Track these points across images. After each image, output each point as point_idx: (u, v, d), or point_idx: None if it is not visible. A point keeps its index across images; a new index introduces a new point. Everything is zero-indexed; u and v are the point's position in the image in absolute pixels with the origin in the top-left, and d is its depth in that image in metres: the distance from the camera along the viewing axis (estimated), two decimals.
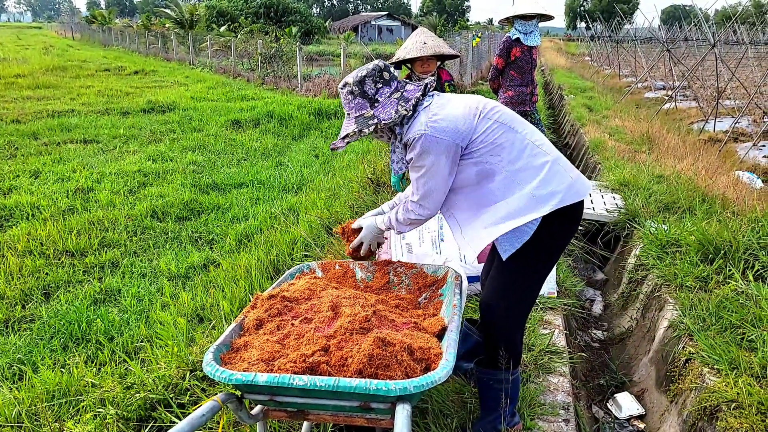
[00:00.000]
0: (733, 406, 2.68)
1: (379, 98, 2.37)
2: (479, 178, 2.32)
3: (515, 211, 2.26)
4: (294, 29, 34.00)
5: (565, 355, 3.44)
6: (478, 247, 2.36)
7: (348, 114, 2.43)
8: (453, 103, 2.37)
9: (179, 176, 7.77)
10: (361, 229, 2.82)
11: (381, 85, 2.38)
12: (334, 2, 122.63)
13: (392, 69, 2.45)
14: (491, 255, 2.77)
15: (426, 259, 3.81)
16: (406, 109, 2.32)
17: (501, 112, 2.37)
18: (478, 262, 3.83)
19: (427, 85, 2.41)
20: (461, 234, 2.44)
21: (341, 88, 2.42)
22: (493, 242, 2.41)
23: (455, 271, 2.69)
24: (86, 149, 9.32)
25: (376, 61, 2.43)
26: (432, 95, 2.42)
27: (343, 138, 2.37)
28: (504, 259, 2.36)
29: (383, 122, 2.31)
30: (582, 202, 2.37)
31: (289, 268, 4.27)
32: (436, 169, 2.29)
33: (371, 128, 2.32)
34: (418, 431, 2.62)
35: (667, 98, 14.95)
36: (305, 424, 2.46)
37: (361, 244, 2.80)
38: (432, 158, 2.27)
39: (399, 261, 2.99)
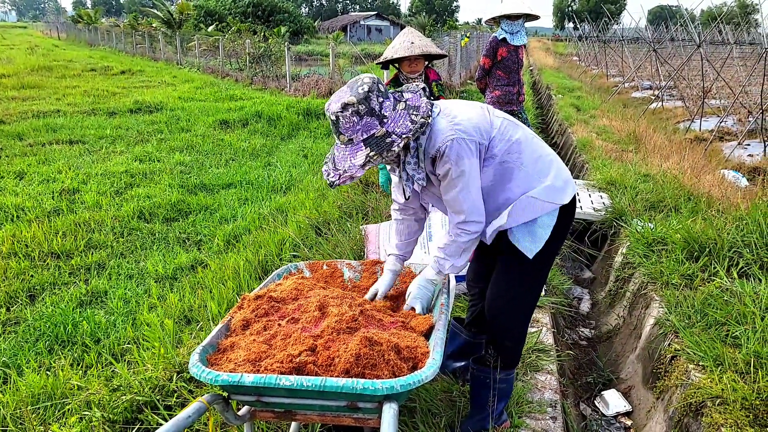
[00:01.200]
0: (718, 402, 2.71)
1: (385, 113, 2.14)
2: (496, 179, 2.30)
3: (544, 196, 2.29)
4: (282, 29, 33.92)
5: (552, 353, 3.46)
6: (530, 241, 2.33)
7: (351, 140, 2.12)
8: (462, 107, 2.32)
9: (167, 177, 7.73)
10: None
11: (383, 99, 2.15)
12: (323, 2, 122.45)
13: (381, 80, 2.26)
14: (481, 254, 2.77)
15: (414, 259, 3.81)
16: (422, 117, 2.13)
17: (500, 111, 2.40)
18: None
19: (424, 89, 2.28)
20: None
21: (341, 112, 2.09)
22: (493, 242, 2.42)
23: None
24: (72, 150, 9.24)
25: (368, 75, 2.18)
26: (434, 104, 2.31)
27: (363, 166, 2.08)
28: (531, 257, 2.34)
29: (403, 137, 2.09)
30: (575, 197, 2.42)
31: (277, 269, 4.26)
32: (473, 175, 2.20)
33: (399, 146, 2.08)
34: (406, 430, 2.62)
35: (653, 98, 15.06)
36: (293, 424, 2.45)
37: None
38: (467, 162, 2.17)
39: None
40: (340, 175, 2.14)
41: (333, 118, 2.13)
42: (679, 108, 14.10)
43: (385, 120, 2.13)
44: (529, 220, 2.31)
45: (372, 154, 2.08)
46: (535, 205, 2.28)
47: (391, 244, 2.70)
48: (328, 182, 2.19)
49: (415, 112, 2.15)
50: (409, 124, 2.12)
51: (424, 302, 2.43)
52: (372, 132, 2.11)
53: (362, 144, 2.11)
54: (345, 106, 2.09)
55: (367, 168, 2.10)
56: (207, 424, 2.65)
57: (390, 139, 2.10)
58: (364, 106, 2.09)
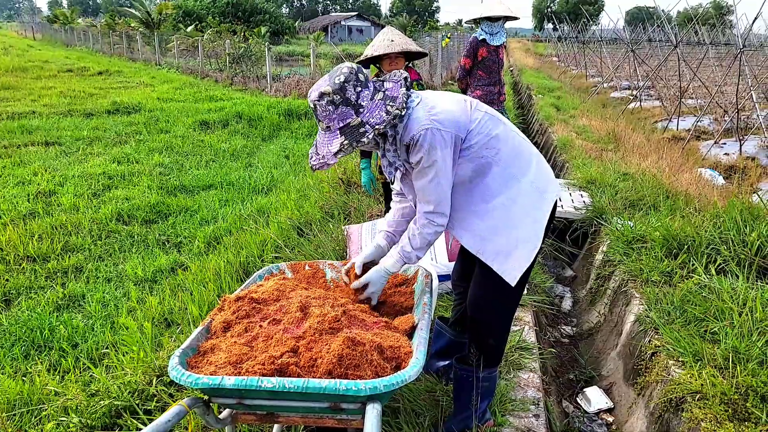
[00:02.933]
0: (697, 397, 2.73)
1: (362, 103, 2.16)
2: (474, 175, 2.29)
3: (530, 214, 2.29)
4: (263, 29, 33.74)
5: (535, 351, 3.47)
6: (515, 263, 2.30)
7: (329, 127, 2.17)
8: (443, 98, 2.31)
9: (146, 178, 7.64)
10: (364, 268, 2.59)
11: (360, 89, 2.16)
12: (304, 2, 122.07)
13: (363, 69, 2.27)
14: (465, 253, 2.76)
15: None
16: (397, 108, 2.15)
17: (484, 105, 2.39)
18: (449, 261, 3.83)
19: (406, 78, 2.27)
20: (454, 231, 2.40)
21: (317, 101, 2.14)
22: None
23: (425, 270, 2.68)
24: (48, 152, 9.11)
25: (348, 64, 2.22)
26: (415, 92, 2.32)
27: (336, 154, 2.13)
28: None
29: (377, 127, 2.12)
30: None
31: (259, 270, 4.23)
32: (445, 166, 2.20)
33: (369, 137, 2.12)
34: (390, 431, 2.61)
35: (632, 98, 15.21)
36: (275, 426, 2.43)
37: (365, 289, 2.50)
38: (440, 153, 2.17)
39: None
40: (318, 160, 2.20)
41: (311, 106, 2.19)
42: (657, 107, 14.26)
43: (361, 110, 2.16)
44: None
45: (345, 142, 2.13)
46: (521, 218, 2.29)
47: (385, 219, 2.70)
48: (310, 165, 2.25)
49: (391, 103, 2.17)
50: (384, 114, 2.14)
51: (378, 293, 2.51)
52: (348, 121, 2.15)
53: (338, 132, 2.16)
54: (321, 95, 2.14)
55: (340, 156, 2.14)
56: (188, 428, 2.62)
57: (363, 129, 2.14)
58: (339, 96, 2.13)
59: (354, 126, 2.15)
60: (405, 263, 2.43)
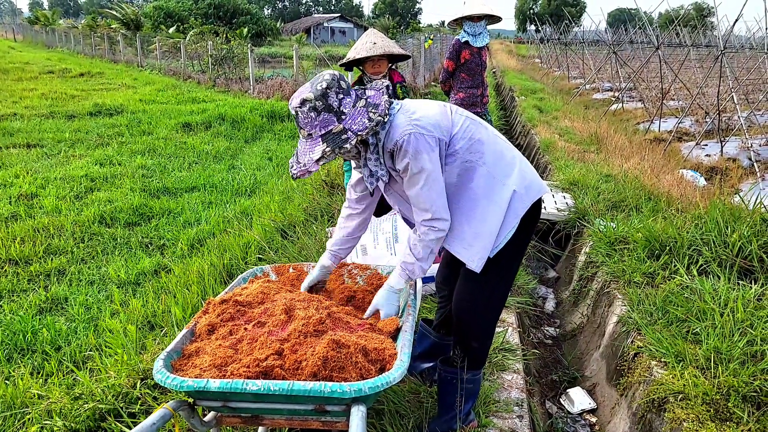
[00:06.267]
0: (680, 397, 2.76)
1: (344, 110, 2.16)
2: (459, 180, 2.31)
3: (506, 211, 2.30)
4: (245, 30, 33.61)
5: (518, 352, 3.49)
6: (478, 251, 2.31)
7: (310, 134, 2.17)
8: (424, 104, 2.33)
9: (128, 181, 7.59)
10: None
11: (342, 96, 2.17)
12: (286, 3, 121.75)
13: (344, 77, 2.28)
14: (449, 256, 2.77)
15: (381, 261, 3.82)
16: (379, 115, 2.15)
17: (465, 111, 2.40)
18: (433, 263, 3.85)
19: (388, 86, 2.29)
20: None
21: (299, 107, 2.14)
22: None
23: None
24: (30, 154, 9.01)
25: (330, 71, 2.23)
26: (396, 101, 2.33)
27: (317, 161, 2.12)
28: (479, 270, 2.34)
29: (359, 134, 2.12)
30: (541, 197, 2.43)
31: (242, 273, 4.22)
32: (434, 170, 2.19)
33: (351, 143, 2.11)
34: None
35: (614, 99, 15.35)
36: (260, 429, 2.43)
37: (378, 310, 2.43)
38: (426, 157, 2.17)
39: (353, 263, 2.99)
40: (299, 169, 2.18)
41: (293, 113, 2.18)
42: (639, 109, 14.40)
43: (343, 117, 2.16)
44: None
45: (328, 149, 2.11)
46: (499, 217, 2.30)
47: (331, 239, 2.70)
48: (291, 174, 2.22)
49: (373, 110, 2.17)
50: (366, 121, 2.14)
51: (395, 312, 2.40)
52: (330, 128, 2.14)
53: (320, 139, 2.15)
54: (303, 102, 2.13)
55: (322, 163, 2.13)
56: (170, 431, 2.61)
57: (345, 135, 2.13)
58: (321, 103, 2.12)
59: (336, 133, 2.14)
60: (409, 277, 2.39)
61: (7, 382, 3.09)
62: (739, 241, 4.07)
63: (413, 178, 2.21)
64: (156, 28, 36.08)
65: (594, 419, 3.46)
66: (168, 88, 17.45)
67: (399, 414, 2.74)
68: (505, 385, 3.15)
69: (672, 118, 12.54)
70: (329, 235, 4.41)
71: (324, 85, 2.14)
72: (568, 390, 3.71)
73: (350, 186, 2.63)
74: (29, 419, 2.74)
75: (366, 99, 2.22)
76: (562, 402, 3.66)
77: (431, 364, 3.02)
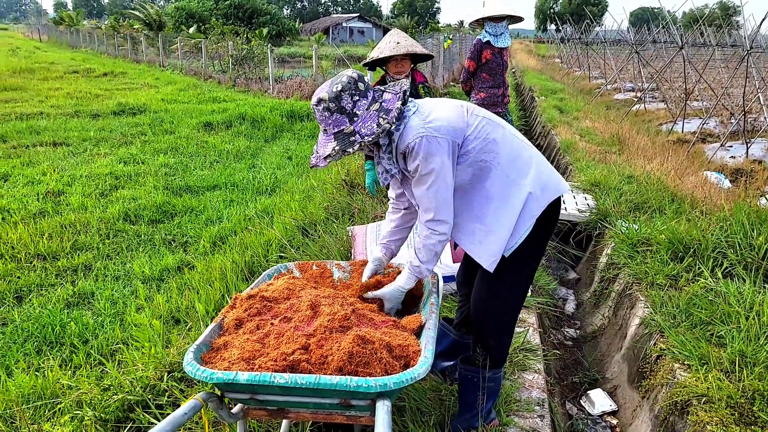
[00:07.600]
0: (703, 400, 2.75)
1: (357, 112, 2.23)
2: (473, 180, 2.33)
3: (520, 212, 2.30)
4: (264, 31, 33.79)
5: (539, 352, 3.49)
6: (491, 250, 2.33)
7: (325, 130, 2.27)
8: (440, 105, 2.35)
9: (151, 179, 7.69)
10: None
11: (358, 98, 2.23)
12: (305, 4, 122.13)
13: (366, 78, 2.31)
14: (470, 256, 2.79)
15: (402, 259, 3.83)
16: (388, 122, 2.20)
17: (483, 110, 2.42)
18: (453, 262, 3.86)
19: (405, 92, 2.30)
20: (453, 235, 2.43)
21: (316, 105, 2.24)
22: None
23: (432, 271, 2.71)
24: (56, 152, 9.16)
25: (350, 72, 2.28)
26: (412, 101, 2.36)
27: (326, 158, 2.22)
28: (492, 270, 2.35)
29: (365, 138, 2.18)
30: (560, 197, 2.43)
31: (264, 270, 4.26)
32: (444, 173, 2.23)
33: (355, 147, 2.18)
34: (396, 429, 2.64)
35: (636, 99, 15.20)
36: (284, 422, 2.46)
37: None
38: (438, 160, 2.20)
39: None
40: (315, 159, 2.28)
41: (312, 109, 2.28)
42: (662, 110, 14.25)
43: (355, 118, 2.23)
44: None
45: (337, 147, 2.20)
46: (514, 215, 2.31)
47: (381, 233, 2.73)
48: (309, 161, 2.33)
49: (384, 116, 2.22)
50: (375, 127, 2.20)
51: (396, 308, 2.54)
52: (341, 128, 2.23)
53: (332, 137, 2.24)
54: (319, 101, 2.23)
55: (329, 161, 2.22)
56: (198, 423, 2.66)
57: (353, 138, 2.21)
58: (334, 104, 2.21)
59: (346, 134, 2.22)
60: (417, 278, 2.47)
61: (37, 373, 3.17)
62: (765, 244, 4.04)
63: (421, 179, 2.26)
64: (177, 28, 36.40)
65: (615, 421, 3.45)
66: (189, 88, 17.62)
67: (420, 411, 2.76)
68: (526, 385, 3.16)
69: (695, 119, 12.39)
70: (351, 234, 4.44)
71: (339, 88, 2.21)
72: (588, 391, 3.70)
73: (390, 186, 2.68)
74: (60, 409, 2.80)
75: (381, 103, 2.27)
76: (583, 403, 3.66)
77: (452, 362, 3.04)
